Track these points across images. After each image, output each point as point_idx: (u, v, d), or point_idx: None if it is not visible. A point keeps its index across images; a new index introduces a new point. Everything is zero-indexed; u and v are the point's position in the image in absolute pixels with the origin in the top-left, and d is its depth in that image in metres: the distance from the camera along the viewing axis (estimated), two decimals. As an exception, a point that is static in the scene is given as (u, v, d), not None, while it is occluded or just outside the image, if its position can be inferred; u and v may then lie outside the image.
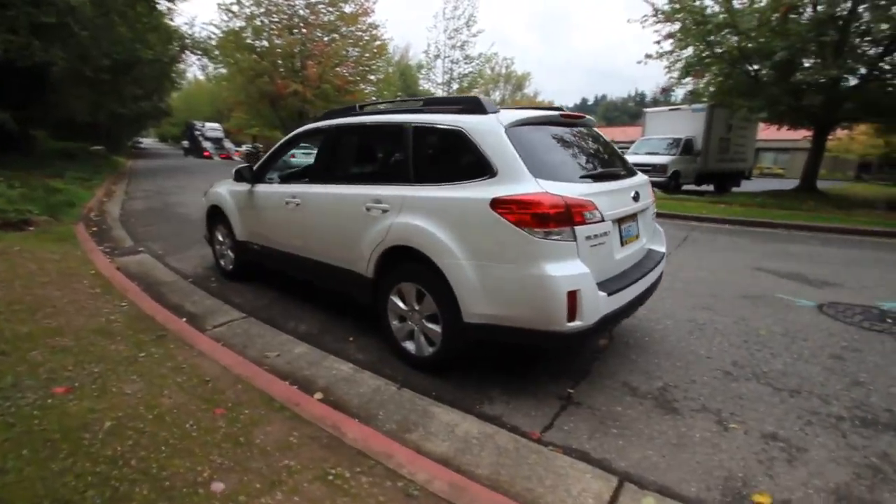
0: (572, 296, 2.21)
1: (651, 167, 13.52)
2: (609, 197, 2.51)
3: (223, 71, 28.13)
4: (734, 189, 16.19)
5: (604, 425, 2.36)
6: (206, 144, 32.25)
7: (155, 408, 2.22)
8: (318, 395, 2.58)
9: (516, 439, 2.23)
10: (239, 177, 4.07)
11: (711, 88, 13.38)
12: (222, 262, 4.77)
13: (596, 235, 2.38)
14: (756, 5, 10.63)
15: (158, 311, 3.55)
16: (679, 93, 14.58)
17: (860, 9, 10.15)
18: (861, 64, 10.30)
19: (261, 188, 4.02)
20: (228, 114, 40.27)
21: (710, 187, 15.99)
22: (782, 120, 12.57)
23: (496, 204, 2.32)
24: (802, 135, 14.77)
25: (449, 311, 2.57)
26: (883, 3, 9.68)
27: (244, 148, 35.10)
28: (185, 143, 34.34)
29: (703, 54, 11.70)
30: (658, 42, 13.76)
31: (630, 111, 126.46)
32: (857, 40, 10.92)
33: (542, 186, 2.28)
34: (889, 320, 3.78)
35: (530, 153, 2.40)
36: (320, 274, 3.48)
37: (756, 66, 10.98)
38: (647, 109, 16.92)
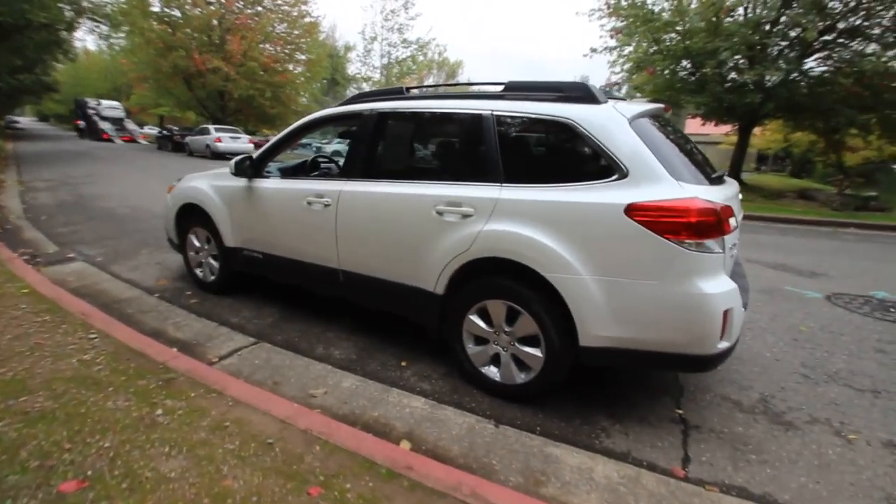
0: (726, 315, 1.96)
1: None
2: (733, 202, 2.29)
3: (125, 42, 24.52)
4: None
5: (738, 451, 2.17)
6: (104, 125, 28.04)
7: (225, 499, 1.62)
8: (406, 445, 2.10)
9: (666, 481, 1.95)
10: (239, 170, 3.32)
11: (650, 85, 14.08)
12: (200, 273, 3.94)
13: (733, 245, 2.15)
14: (700, 5, 11.26)
15: (148, 344, 2.78)
16: (624, 88, 15.18)
17: (782, 18, 11.15)
18: (784, 66, 11.35)
19: (265, 184, 3.32)
20: (128, 91, 35.38)
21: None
22: (714, 117, 13.62)
23: (633, 210, 1.99)
24: (725, 130, 16.18)
25: (558, 332, 2.21)
26: (799, 10, 10.70)
27: (148, 130, 31.08)
28: (81, 123, 29.59)
29: (651, 50, 12.24)
30: (604, 37, 14.23)
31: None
32: (778, 43, 12.03)
33: (687, 190, 1.99)
34: (893, 309, 4.07)
35: (657, 151, 2.10)
36: (358, 290, 2.93)
37: (699, 66, 11.70)
38: None
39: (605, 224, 2.06)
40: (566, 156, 2.26)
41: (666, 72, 12.64)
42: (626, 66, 14.19)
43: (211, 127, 19.78)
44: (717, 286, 1.96)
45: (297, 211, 3.07)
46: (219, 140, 18.75)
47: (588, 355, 2.18)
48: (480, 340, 2.52)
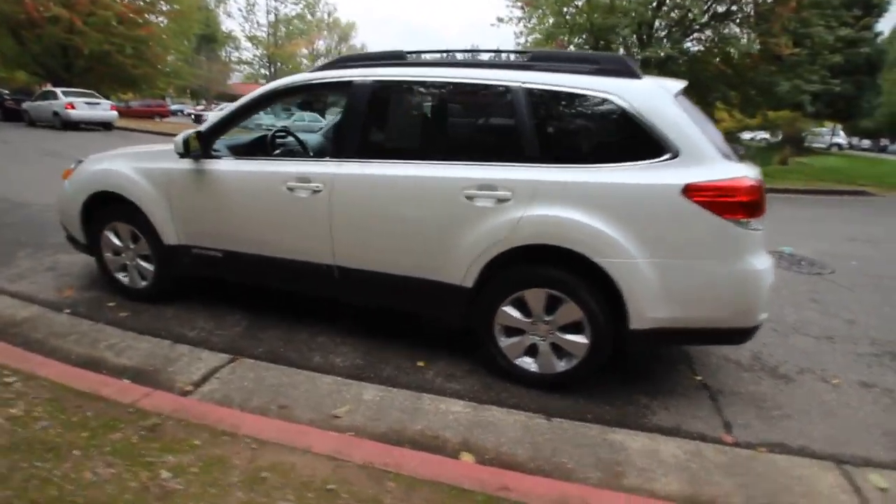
0: (767, 288, 2.06)
1: None
2: None
3: None
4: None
5: (762, 410, 2.35)
6: None
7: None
8: (468, 457, 1.92)
9: (723, 450, 2.04)
10: (186, 148, 2.63)
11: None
12: (124, 278, 3.17)
13: (762, 221, 2.25)
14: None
15: (96, 381, 2.14)
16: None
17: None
18: (668, 45, 12.54)
19: (222, 166, 2.69)
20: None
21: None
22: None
23: (691, 191, 1.95)
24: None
25: (606, 317, 2.15)
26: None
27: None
28: None
29: (557, 23, 12.63)
30: (511, 6, 14.31)
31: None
32: (665, 24, 13.22)
33: (736, 169, 2.00)
34: (804, 262, 4.79)
35: (700, 128, 2.08)
36: (360, 289, 2.56)
37: (602, 41, 12.39)
38: None
39: (660, 205, 2.00)
40: (609, 133, 2.15)
41: (571, 46, 13.20)
42: (533, 38, 14.53)
43: (58, 90, 16.04)
44: (764, 262, 2.04)
45: (273, 199, 2.56)
46: (71, 106, 15.28)
47: (636, 338, 2.16)
48: (513, 332, 2.37)
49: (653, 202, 2.01)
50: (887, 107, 27.12)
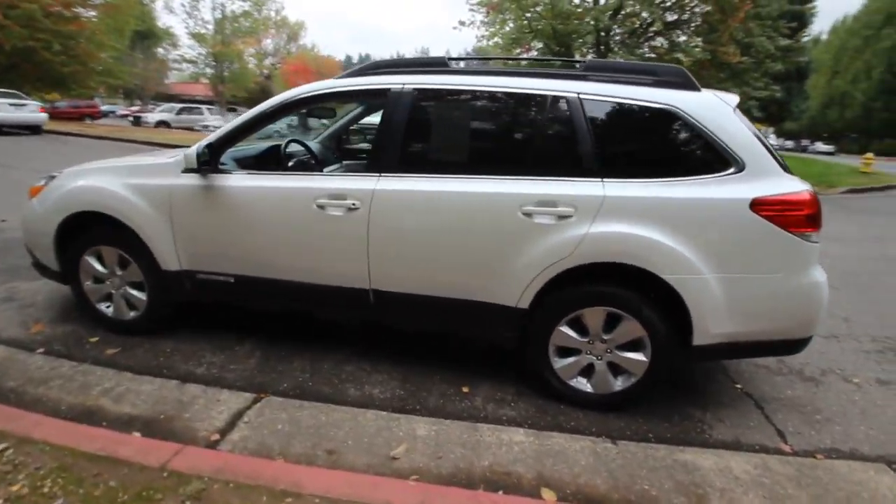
0: (826, 299, 2.09)
1: None
2: None
3: None
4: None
5: (805, 415, 2.39)
6: None
7: None
8: (550, 494, 1.80)
9: (787, 461, 2.04)
10: (198, 163, 2.32)
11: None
12: (107, 308, 2.78)
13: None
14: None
15: (112, 439, 1.82)
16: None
17: (627, 8, 12.73)
18: (625, 50, 13.06)
19: (237, 182, 2.41)
20: None
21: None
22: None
23: (759, 205, 1.94)
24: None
25: (668, 334, 2.11)
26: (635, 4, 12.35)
27: None
28: None
29: (525, 30, 12.80)
30: (474, 10, 14.35)
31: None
32: (617, 31, 13.76)
33: (797, 183, 2.01)
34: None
35: (760, 141, 2.08)
36: (399, 313, 2.39)
37: (565, 46, 12.70)
38: None
39: (729, 220, 1.98)
40: (674, 147, 2.10)
41: (534, 52, 13.43)
42: (493, 42, 14.64)
43: (-26, 90, 14.28)
44: (822, 273, 2.06)
45: (299, 218, 2.32)
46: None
47: (698, 354, 2.13)
48: (567, 352, 2.27)
49: (721, 217, 1.98)
50: (811, 110, 29.76)
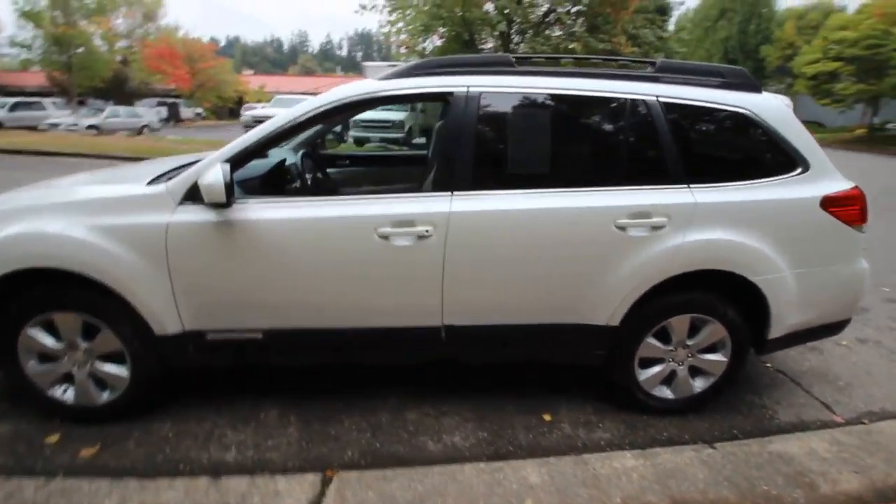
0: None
1: (390, 123, 13.99)
2: None
3: None
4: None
5: (831, 383, 2.65)
6: None
7: None
8: (694, 519, 1.74)
9: (846, 431, 2.23)
10: (227, 196, 1.75)
11: (430, 46, 14.54)
12: (65, 394, 2.07)
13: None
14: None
15: None
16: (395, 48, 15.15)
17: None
18: (524, 39, 13.52)
19: (262, 212, 1.89)
20: None
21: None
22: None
23: (826, 202, 2.05)
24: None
25: (746, 332, 2.16)
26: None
27: None
28: None
29: (434, 17, 12.47)
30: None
31: (270, 58, 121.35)
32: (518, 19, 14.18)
33: (847, 180, 2.16)
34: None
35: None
36: (476, 347, 2.12)
37: (473, 34, 12.70)
38: (367, 63, 16.99)
39: (803, 219, 2.07)
40: (748, 150, 2.12)
41: (441, 41, 13.28)
42: (397, 28, 14.14)
43: None
44: (865, 261, 2.26)
45: (358, 252, 1.91)
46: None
47: (770, 346, 2.23)
48: (650, 362, 2.23)
49: (797, 216, 2.06)
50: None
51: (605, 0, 12.21)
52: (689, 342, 2.19)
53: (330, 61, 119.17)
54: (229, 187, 1.74)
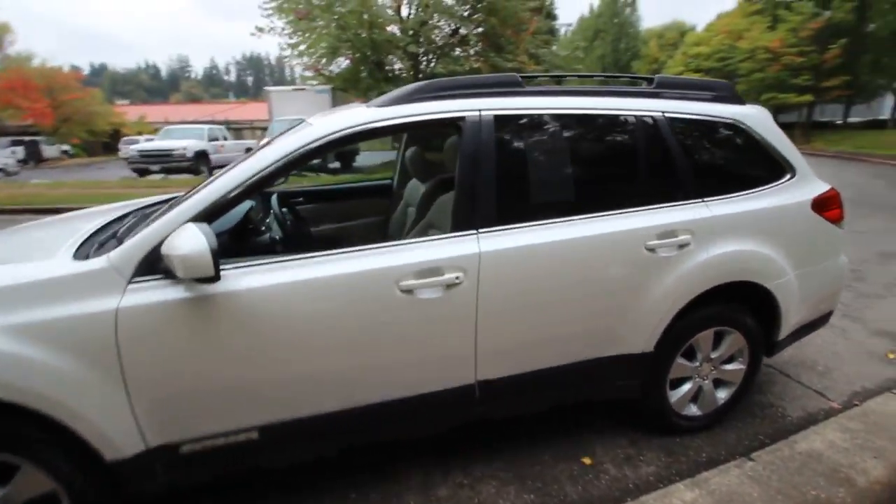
0: (844, 274, 2.47)
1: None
2: None
3: None
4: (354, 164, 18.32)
5: (813, 370, 2.82)
6: None
7: None
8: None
9: (847, 416, 2.33)
10: (215, 269, 1.31)
11: (331, 70, 14.11)
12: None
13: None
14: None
15: None
16: (298, 72, 14.48)
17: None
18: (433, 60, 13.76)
19: (250, 280, 1.48)
20: None
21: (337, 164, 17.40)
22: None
23: (815, 204, 2.15)
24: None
25: (762, 338, 2.20)
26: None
27: None
28: None
29: (342, 39, 12.09)
30: (269, 16, 12.97)
31: (146, 85, 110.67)
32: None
33: (823, 181, 2.29)
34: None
35: None
36: (510, 401, 1.88)
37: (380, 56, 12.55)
38: (270, 88, 15.83)
39: (800, 222, 2.15)
40: (744, 160, 2.15)
41: (346, 63, 12.99)
42: (300, 50, 13.57)
43: None
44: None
45: (378, 313, 1.59)
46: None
47: (778, 347, 2.28)
48: (677, 382, 2.16)
49: (795, 220, 2.14)
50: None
51: (504, 22, 12.85)
52: (713, 355, 2.16)
53: (217, 87, 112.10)
54: (217, 255, 1.32)
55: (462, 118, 1.72)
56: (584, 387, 1.99)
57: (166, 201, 2.12)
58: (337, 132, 1.62)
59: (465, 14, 12.76)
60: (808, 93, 20.78)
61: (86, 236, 1.78)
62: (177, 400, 1.48)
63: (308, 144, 1.59)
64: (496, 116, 1.75)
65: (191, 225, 1.36)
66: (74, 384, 1.36)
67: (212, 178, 1.65)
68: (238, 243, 1.81)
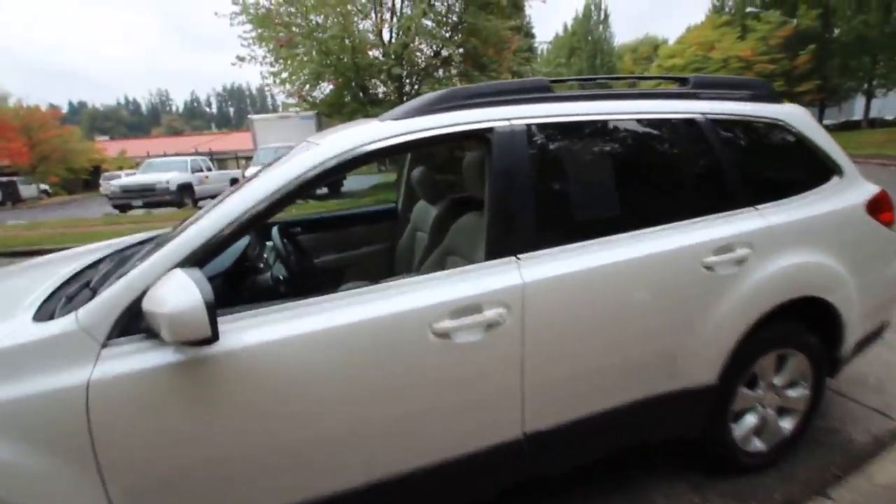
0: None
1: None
2: None
3: None
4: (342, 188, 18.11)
5: (866, 385, 2.59)
6: None
7: None
8: None
9: None
10: (213, 328, 1.04)
11: (314, 96, 14.01)
12: None
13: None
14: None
15: None
16: (280, 99, 14.36)
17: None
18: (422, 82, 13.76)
19: (255, 335, 1.21)
20: None
21: (325, 190, 17.17)
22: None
23: (870, 207, 1.97)
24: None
25: (825, 357, 1.98)
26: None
27: None
28: None
29: (325, 64, 12.00)
30: (247, 44, 12.87)
31: (127, 121, 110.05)
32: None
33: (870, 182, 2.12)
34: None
35: None
36: (560, 452, 1.61)
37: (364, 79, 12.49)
38: (253, 117, 15.70)
39: (855, 227, 1.96)
40: (791, 162, 1.96)
41: (330, 87, 12.90)
42: (283, 78, 13.45)
43: None
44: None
45: (407, 363, 1.34)
46: None
47: (840, 365, 2.07)
48: (739, 415, 1.92)
49: (851, 225, 1.95)
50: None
51: (486, 42, 12.95)
52: (775, 381, 1.93)
53: (199, 119, 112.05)
54: (213, 310, 1.06)
55: (490, 129, 1.49)
56: (642, 429, 1.73)
57: (150, 240, 1.85)
58: (349, 151, 1.38)
59: (447, 35, 12.82)
60: (782, 98, 21.40)
61: (53, 288, 1.50)
62: (165, 492, 1.19)
63: (317, 167, 1.35)
64: (528, 125, 1.54)
65: (178, 271, 1.10)
66: (34, 482, 1.07)
67: (203, 210, 1.40)
68: (236, 288, 1.54)
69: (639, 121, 1.71)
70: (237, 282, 1.60)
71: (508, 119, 1.52)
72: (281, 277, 1.74)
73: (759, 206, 1.79)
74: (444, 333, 1.34)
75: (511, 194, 1.48)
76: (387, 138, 1.43)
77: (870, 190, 2.03)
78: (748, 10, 24.03)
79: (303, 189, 1.32)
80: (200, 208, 1.64)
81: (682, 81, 1.89)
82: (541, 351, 1.45)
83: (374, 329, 1.30)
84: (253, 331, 1.23)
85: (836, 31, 22.98)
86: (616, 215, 1.64)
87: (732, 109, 1.85)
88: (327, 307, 1.30)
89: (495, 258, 1.45)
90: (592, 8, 41.64)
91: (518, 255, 1.46)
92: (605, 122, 1.67)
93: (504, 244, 1.46)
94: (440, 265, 2.04)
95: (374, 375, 1.31)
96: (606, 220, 1.62)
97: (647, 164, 1.76)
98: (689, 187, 1.76)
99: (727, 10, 28.18)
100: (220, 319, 1.15)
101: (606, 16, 41.92)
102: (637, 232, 1.61)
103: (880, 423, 2.30)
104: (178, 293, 1.05)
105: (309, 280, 1.68)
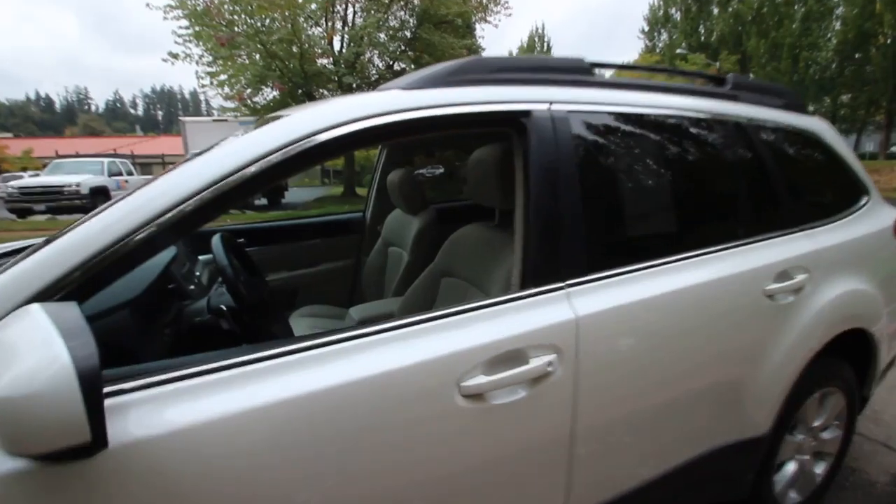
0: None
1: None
2: None
3: None
4: (283, 200, 17.07)
5: (867, 416, 2.49)
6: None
7: None
8: None
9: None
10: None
11: (256, 101, 13.19)
12: None
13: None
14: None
15: None
16: (217, 103, 13.33)
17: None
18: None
19: (205, 409, 0.73)
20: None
21: (264, 200, 16.06)
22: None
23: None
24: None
25: (859, 395, 1.79)
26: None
27: None
28: None
29: (270, 68, 11.23)
30: (181, 41, 11.88)
31: (36, 118, 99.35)
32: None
33: (888, 202, 2.01)
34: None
35: None
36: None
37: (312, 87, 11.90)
38: (185, 119, 14.33)
39: (888, 250, 1.80)
40: (827, 179, 1.77)
41: (276, 92, 12.17)
42: (221, 80, 12.52)
43: None
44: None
45: (434, 434, 0.91)
46: None
47: (866, 402, 1.90)
48: (780, 467, 1.67)
49: (884, 249, 1.79)
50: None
51: (440, 59, 12.91)
52: (814, 424, 1.70)
53: (122, 121, 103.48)
54: (98, 385, 0.58)
55: (527, 113, 1.13)
56: (692, 493, 1.41)
57: (19, 251, 1.27)
58: (359, 120, 0.94)
59: (401, 49, 12.62)
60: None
61: None
62: None
63: (301, 141, 0.90)
64: (570, 112, 1.19)
65: (34, 309, 0.62)
66: None
67: (95, 210, 0.90)
68: (149, 327, 1.01)
69: (693, 120, 1.42)
70: (151, 316, 1.06)
71: (549, 102, 1.16)
72: (223, 308, 1.24)
73: (805, 227, 1.58)
74: (475, 394, 0.93)
75: (557, 201, 1.10)
76: (404, 111, 1.01)
77: (893, 212, 1.91)
78: (677, 51, 26.24)
79: (273, 174, 0.88)
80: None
81: (718, 81, 1.65)
82: (595, 409, 1.08)
83: (384, 392, 0.86)
84: (179, 405, 0.75)
85: (751, 76, 25.78)
86: (672, 232, 1.33)
87: (773, 117, 1.64)
88: (307, 358, 0.84)
89: (537, 286, 1.07)
90: (536, 40, 43.85)
91: (567, 282, 1.09)
92: (661, 118, 1.35)
93: (549, 267, 1.08)
94: (432, 289, 1.64)
95: (384, 457, 0.87)
96: (664, 238, 1.30)
97: (705, 172, 1.46)
98: (745, 201, 1.49)
99: (657, 50, 30.73)
100: (114, 390, 0.66)
101: (549, 47, 44.24)
102: (697, 252, 1.30)
103: (893, 459, 2.17)
104: (28, 353, 0.56)
105: (266, 313, 1.19)
